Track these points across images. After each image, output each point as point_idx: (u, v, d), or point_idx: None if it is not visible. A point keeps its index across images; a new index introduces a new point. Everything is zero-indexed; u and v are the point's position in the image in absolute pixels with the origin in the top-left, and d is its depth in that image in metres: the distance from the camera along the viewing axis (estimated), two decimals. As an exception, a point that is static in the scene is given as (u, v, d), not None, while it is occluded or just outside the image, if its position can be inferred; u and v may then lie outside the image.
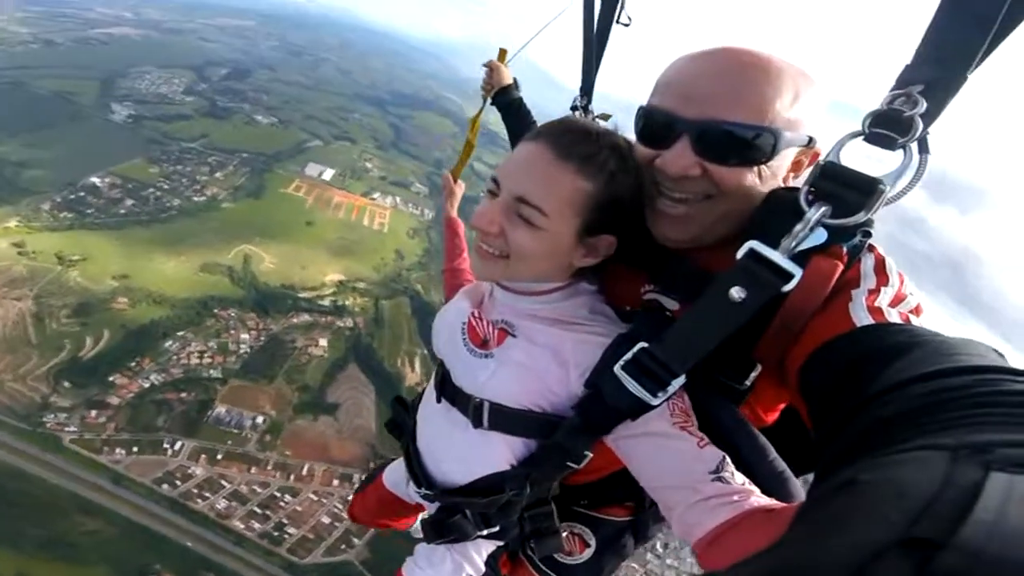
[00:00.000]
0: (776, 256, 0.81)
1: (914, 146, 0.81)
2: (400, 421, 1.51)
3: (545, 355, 1.06)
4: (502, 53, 2.21)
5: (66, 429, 31.00)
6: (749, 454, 0.97)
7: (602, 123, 1.46)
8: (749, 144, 0.93)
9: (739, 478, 0.88)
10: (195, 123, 70.77)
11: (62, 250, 42.04)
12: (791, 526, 0.43)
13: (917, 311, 0.87)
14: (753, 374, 0.99)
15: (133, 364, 34.70)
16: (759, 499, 0.85)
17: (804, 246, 0.84)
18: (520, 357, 1.09)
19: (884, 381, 0.62)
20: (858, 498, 0.37)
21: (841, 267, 0.88)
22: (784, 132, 0.93)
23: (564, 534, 1.29)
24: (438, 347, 1.30)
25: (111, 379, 33.54)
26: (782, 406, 1.12)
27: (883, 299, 0.86)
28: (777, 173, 0.98)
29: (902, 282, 0.91)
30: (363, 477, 1.95)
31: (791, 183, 1.02)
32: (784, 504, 0.85)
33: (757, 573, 0.34)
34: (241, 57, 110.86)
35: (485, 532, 1.26)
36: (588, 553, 1.32)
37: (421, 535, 1.41)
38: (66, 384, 32.78)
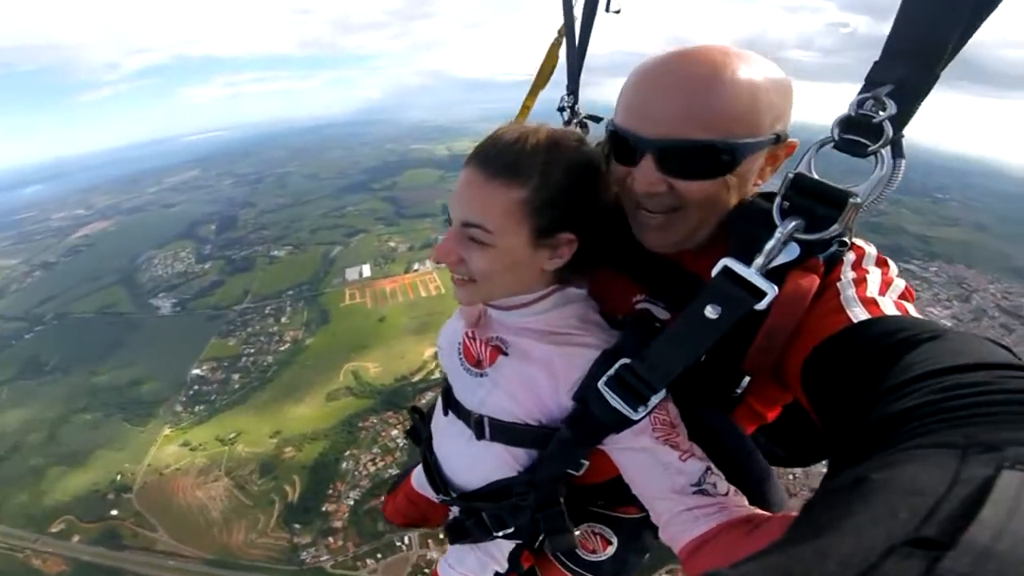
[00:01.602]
0: (749, 274, 0.82)
1: (887, 151, 0.79)
2: (417, 429, 1.57)
3: (536, 371, 1.10)
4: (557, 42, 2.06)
5: (322, 559, 35.50)
6: (737, 458, 1.02)
7: (592, 125, 1.79)
8: (709, 160, 0.92)
9: (722, 487, 0.92)
10: (230, 285, 74.61)
11: (218, 434, 46.78)
12: (797, 524, 0.42)
13: (908, 295, 0.87)
14: (744, 383, 1.02)
15: (330, 492, 39.18)
16: (739, 509, 0.89)
17: (778, 262, 0.84)
18: (512, 375, 1.14)
19: (895, 377, 0.61)
20: (867, 496, 0.36)
21: (818, 280, 0.87)
22: (744, 141, 0.91)
23: (578, 533, 1.33)
24: (442, 363, 1.36)
25: (324, 509, 37.98)
26: (783, 403, 1.14)
27: (872, 288, 0.85)
28: (747, 177, 0.97)
29: (886, 268, 0.92)
30: (394, 479, 1.94)
31: (768, 178, 1.02)
32: (763, 513, 0.89)
33: (764, 572, 0.32)
34: (214, 207, 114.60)
35: (501, 533, 1.30)
36: (611, 550, 1.35)
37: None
38: (296, 526, 37.39)
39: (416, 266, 74.00)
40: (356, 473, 40.91)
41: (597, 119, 1.81)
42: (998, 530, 0.28)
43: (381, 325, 61.74)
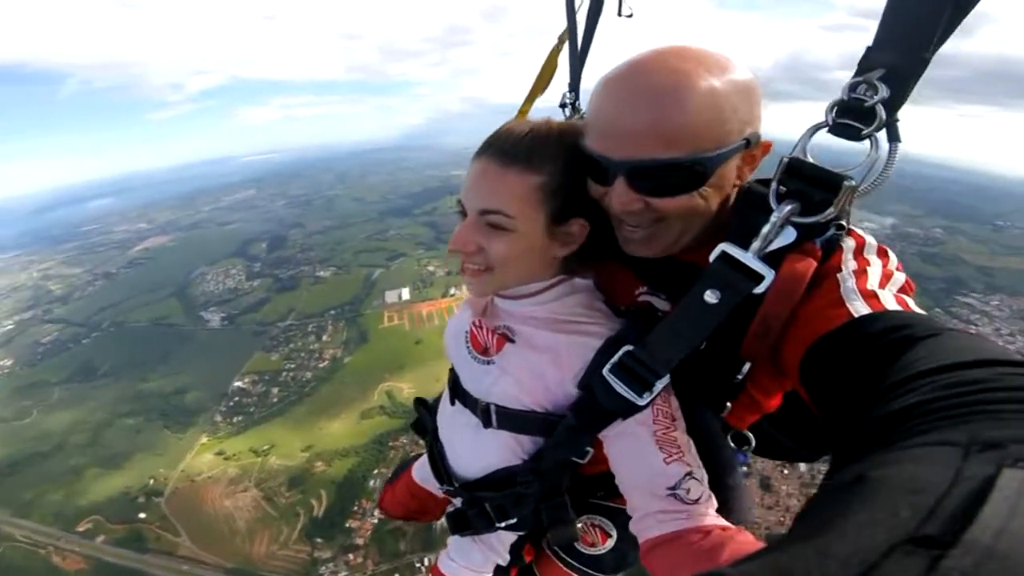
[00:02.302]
0: (747, 258, 0.84)
1: (881, 135, 0.80)
2: (423, 421, 1.58)
3: (543, 358, 1.12)
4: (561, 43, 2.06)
5: (340, 575, 35.60)
6: (716, 463, 1.05)
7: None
8: (679, 176, 0.92)
9: (695, 493, 0.95)
10: (277, 302, 76.93)
11: (253, 445, 47.65)
12: (798, 522, 0.41)
13: (908, 288, 0.87)
14: (744, 370, 1.01)
15: (356, 508, 39.18)
16: (701, 519, 0.92)
17: (774, 246, 0.85)
18: (519, 362, 1.16)
19: (896, 374, 0.60)
20: (868, 495, 0.36)
21: (815, 264, 0.87)
22: (713, 154, 0.90)
23: (580, 525, 1.32)
24: (448, 354, 1.38)
25: (348, 525, 38.06)
26: (782, 391, 1.14)
27: (873, 280, 0.84)
28: (722, 184, 0.97)
29: (886, 259, 0.91)
30: (393, 470, 1.94)
31: (748, 177, 1.02)
32: (723, 526, 0.92)
33: (765, 571, 0.32)
34: (266, 227, 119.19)
35: (504, 524, 1.30)
36: (610, 543, 1.34)
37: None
38: (319, 540, 37.51)
39: (453, 291, 74.50)
40: None
41: None
42: (1000, 528, 0.28)
43: (417, 347, 62.00)
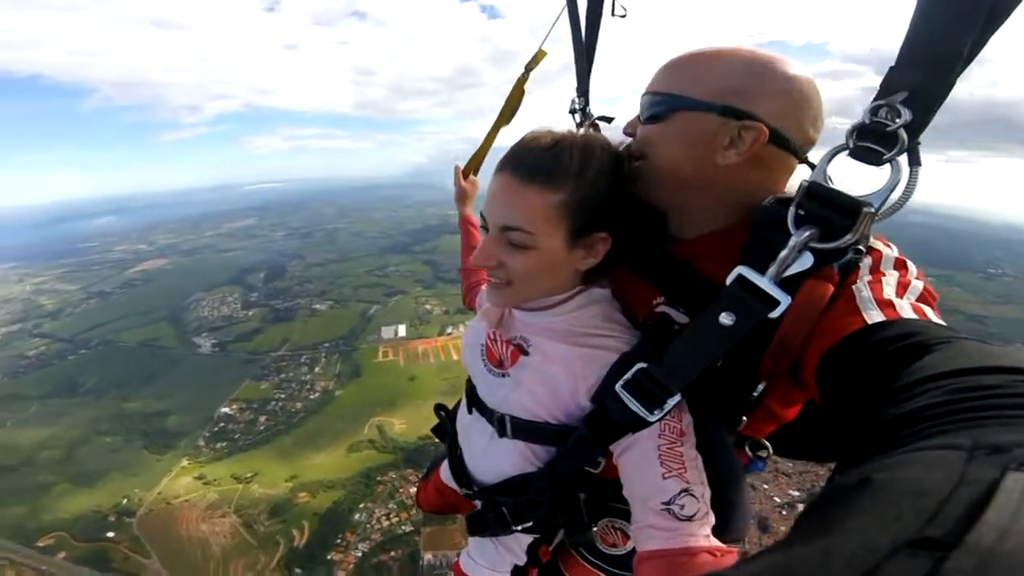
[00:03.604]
0: (763, 283, 0.84)
1: (903, 159, 0.78)
2: (444, 426, 1.61)
3: (557, 371, 1.12)
4: (539, 55, 2.03)
5: None
6: (719, 479, 1.04)
7: (603, 126, 1.76)
8: (659, 105, 1.06)
9: (690, 510, 0.94)
10: (270, 332, 76.15)
11: (235, 472, 46.17)
12: (802, 523, 0.40)
13: (928, 297, 0.85)
14: (760, 387, 1.02)
15: (339, 541, 37.98)
16: (691, 538, 0.91)
17: (792, 271, 0.85)
18: (533, 375, 1.16)
19: (905, 378, 0.60)
20: (872, 497, 0.36)
21: (832, 288, 0.86)
22: (682, 95, 1.01)
23: (597, 529, 1.34)
24: (465, 362, 1.39)
25: (329, 558, 36.76)
26: (802, 402, 1.14)
27: (888, 290, 0.84)
28: (694, 141, 1.01)
29: (904, 271, 0.90)
30: (427, 467, 1.98)
31: (735, 160, 0.99)
32: (713, 547, 0.91)
33: (768, 571, 0.33)
34: (265, 256, 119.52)
35: (520, 527, 1.32)
36: (630, 545, 1.33)
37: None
38: (297, 571, 36.14)
39: (450, 329, 74.29)
40: (368, 526, 39.86)
41: (609, 119, 1.80)
42: (1003, 531, 0.28)
43: (411, 384, 61.26)
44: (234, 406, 57.18)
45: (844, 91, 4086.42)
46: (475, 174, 2.07)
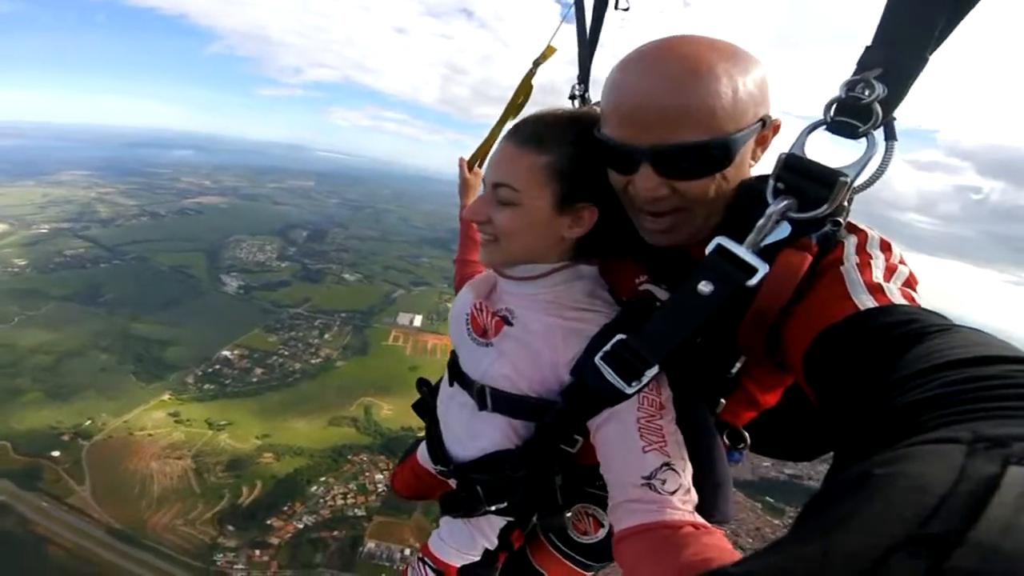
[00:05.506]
0: (741, 251, 0.84)
1: (878, 132, 0.81)
2: (425, 402, 1.59)
3: (538, 342, 1.12)
4: (548, 51, 2.14)
5: (235, 567, 32.56)
6: (703, 458, 1.02)
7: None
8: (705, 158, 0.95)
9: (672, 485, 0.92)
10: (296, 288, 76.33)
11: (210, 417, 45.39)
12: (802, 520, 0.39)
13: (912, 282, 0.86)
14: (737, 364, 1.03)
15: (286, 508, 36.60)
16: (675, 512, 0.89)
17: (769, 240, 0.86)
18: (516, 345, 1.16)
19: (903, 370, 0.59)
20: (872, 493, 0.35)
21: (810, 258, 0.87)
22: (736, 135, 0.93)
23: (573, 513, 1.33)
24: (451, 335, 1.40)
25: (268, 522, 35.30)
26: (782, 388, 1.14)
27: (877, 273, 0.84)
28: (742, 164, 1.00)
29: (889, 253, 0.90)
30: (404, 451, 2.00)
31: (760, 157, 1.05)
32: (697, 522, 0.89)
33: (768, 570, 0.32)
34: (313, 218, 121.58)
35: (494, 508, 1.31)
36: (602, 533, 1.34)
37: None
38: (230, 527, 34.73)
39: (465, 333, 72.19)
40: (321, 501, 38.28)
41: None
42: (1005, 527, 0.27)
43: (411, 373, 58.44)
44: (236, 351, 56.57)
45: (931, 185, 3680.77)
46: (480, 166, 2.09)
